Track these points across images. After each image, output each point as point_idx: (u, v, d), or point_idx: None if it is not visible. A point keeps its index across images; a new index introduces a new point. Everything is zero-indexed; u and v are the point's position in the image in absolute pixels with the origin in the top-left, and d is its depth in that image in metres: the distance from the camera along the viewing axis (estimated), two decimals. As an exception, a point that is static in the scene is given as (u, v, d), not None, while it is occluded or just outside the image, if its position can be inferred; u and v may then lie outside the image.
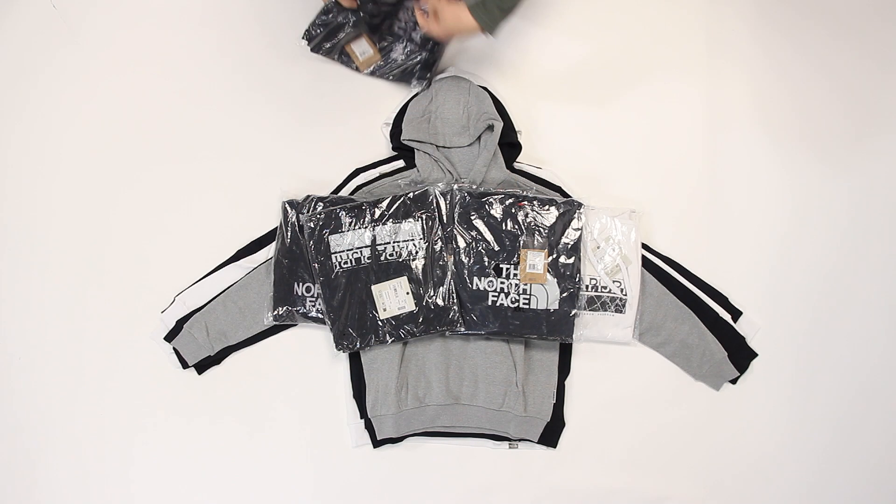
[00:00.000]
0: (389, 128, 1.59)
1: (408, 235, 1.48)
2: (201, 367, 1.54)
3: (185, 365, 1.54)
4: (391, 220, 1.48)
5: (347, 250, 1.48)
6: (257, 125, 1.63)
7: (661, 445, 1.55)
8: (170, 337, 1.54)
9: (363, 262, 1.48)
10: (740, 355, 1.54)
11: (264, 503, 1.53)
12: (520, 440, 1.53)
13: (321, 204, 1.51)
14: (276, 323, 1.53)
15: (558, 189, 1.59)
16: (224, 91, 1.64)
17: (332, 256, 1.48)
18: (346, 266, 1.48)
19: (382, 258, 1.48)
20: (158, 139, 1.63)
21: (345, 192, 1.57)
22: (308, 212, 1.50)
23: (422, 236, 1.48)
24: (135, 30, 1.66)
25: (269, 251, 1.56)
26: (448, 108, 1.56)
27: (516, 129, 1.58)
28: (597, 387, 1.55)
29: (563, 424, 1.54)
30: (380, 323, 1.47)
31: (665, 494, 1.54)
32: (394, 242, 1.48)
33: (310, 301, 1.52)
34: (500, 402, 1.50)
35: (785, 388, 1.57)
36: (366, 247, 1.48)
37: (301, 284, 1.52)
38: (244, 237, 1.58)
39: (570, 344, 1.55)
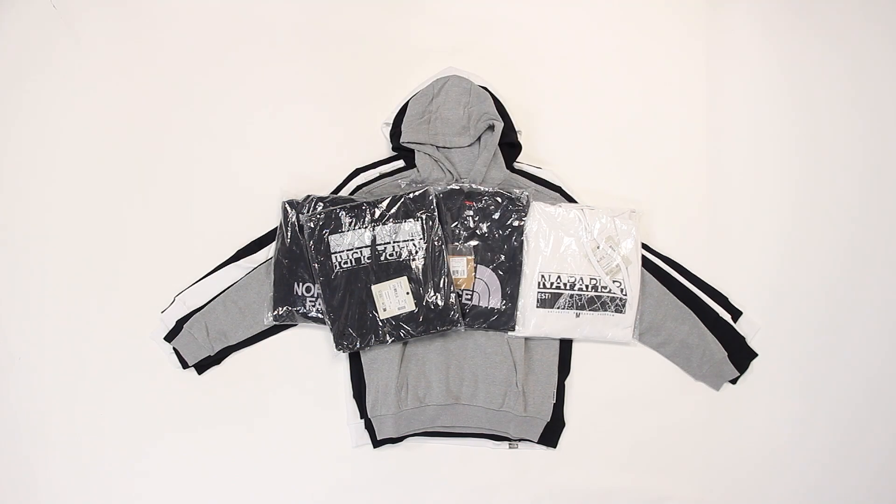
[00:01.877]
0: (389, 128, 1.59)
1: (408, 235, 1.48)
2: (201, 367, 1.54)
3: (185, 365, 1.54)
4: (391, 220, 1.48)
5: (347, 250, 1.48)
6: (257, 125, 1.63)
7: (661, 445, 1.55)
8: (170, 337, 1.54)
9: (363, 262, 1.48)
10: (740, 355, 1.54)
11: (264, 503, 1.53)
12: (520, 440, 1.53)
13: (321, 204, 1.51)
14: (276, 323, 1.53)
15: (558, 189, 1.59)
16: (223, 91, 1.64)
17: (332, 256, 1.48)
18: (346, 266, 1.48)
19: (382, 258, 1.48)
20: (159, 139, 1.63)
21: (345, 192, 1.57)
22: (308, 212, 1.50)
23: (422, 236, 1.48)
24: (134, 30, 1.66)
25: (269, 251, 1.56)
26: (449, 108, 1.56)
27: (516, 129, 1.58)
28: (597, 387, 1.55)
29: (563, 424, 1.54)
30: (380, 323, 1.47)
31: (665, 494, 1.54)
32: (394, 242, 1.48)
33: (310, 301, 1.52)
34: (500, 402, 1.50)
35: (785, 388, 1.57)
36: (366, 247, 1.48)
37: (301, 284, 1.52)
38: (244, 237, 1.58)
39: (571, 344, 1.55)
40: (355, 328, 1.47)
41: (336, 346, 1.48)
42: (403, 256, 1.48)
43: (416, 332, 1.47)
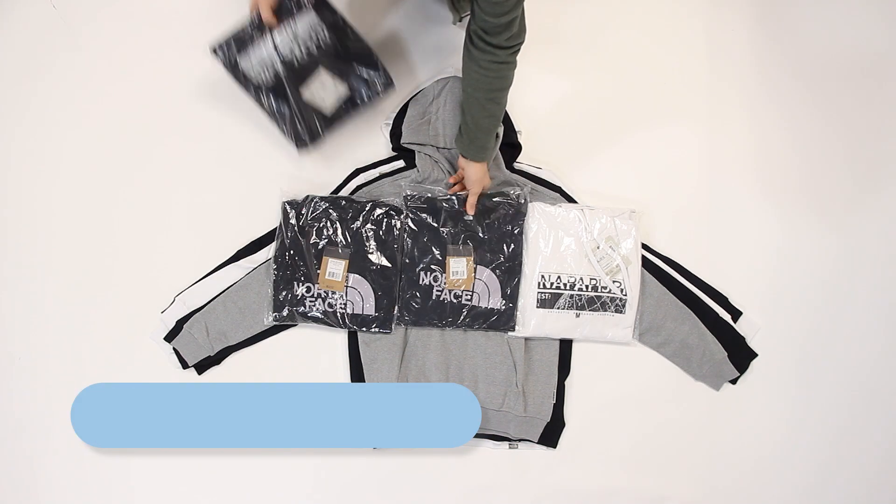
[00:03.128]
0: (389, 128, 1.59)
1: (306, 32, 1.43)
2: (201, 367, 1.54)
3: (185, 365, 1.54)
4: (285, 28, 1.42)
5: (261, 68, 1.45)
6: (257, 125, 1.63)
7: (661, 445, 1.55)
8: (170, 337, 1.54)
9: (281, 74, 1.45)
10: (740, 355, 1.54)
11: (264, 502, 1.53)
12: (520, 440, 1.53)
13: (322, 204, 1.52)
14: (277, 323, 1.53)
15: (558, 189, 1.59)
16: (224, 92, 1.64)
17: (252, 79, 1.46)
18: (267, 83, 1.47)
19: (295, 64, 1.45)
20: (159, 140, 1.63)
21: (345, 192, 1.58)
22: (308, 211, 1.50)
23: (321, 25, 1.43)
24: (135, 30, 1.66)
25: (269, 251, 1.56)
26: (449, 108, 1.56)
27: (516, 129, 1.58)
28: (597, 387, 1.55)
29: (563, 424, 1.54)
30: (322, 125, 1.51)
31: (665, 494, 1.54)
32: (296, 43, 1.44)
33: (310, 301, 1.52)
34: (500, 402, 1.50)
35: (785, 388, 1.57)
36: (277, 61, 1.44)
37: (301, 284, 1.52)
38: (244, 237, 1.58)
39: (571, 344, 1.55)
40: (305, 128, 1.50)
41: (297, 148, 1.53)
42: (313, 52, 1.45)
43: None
